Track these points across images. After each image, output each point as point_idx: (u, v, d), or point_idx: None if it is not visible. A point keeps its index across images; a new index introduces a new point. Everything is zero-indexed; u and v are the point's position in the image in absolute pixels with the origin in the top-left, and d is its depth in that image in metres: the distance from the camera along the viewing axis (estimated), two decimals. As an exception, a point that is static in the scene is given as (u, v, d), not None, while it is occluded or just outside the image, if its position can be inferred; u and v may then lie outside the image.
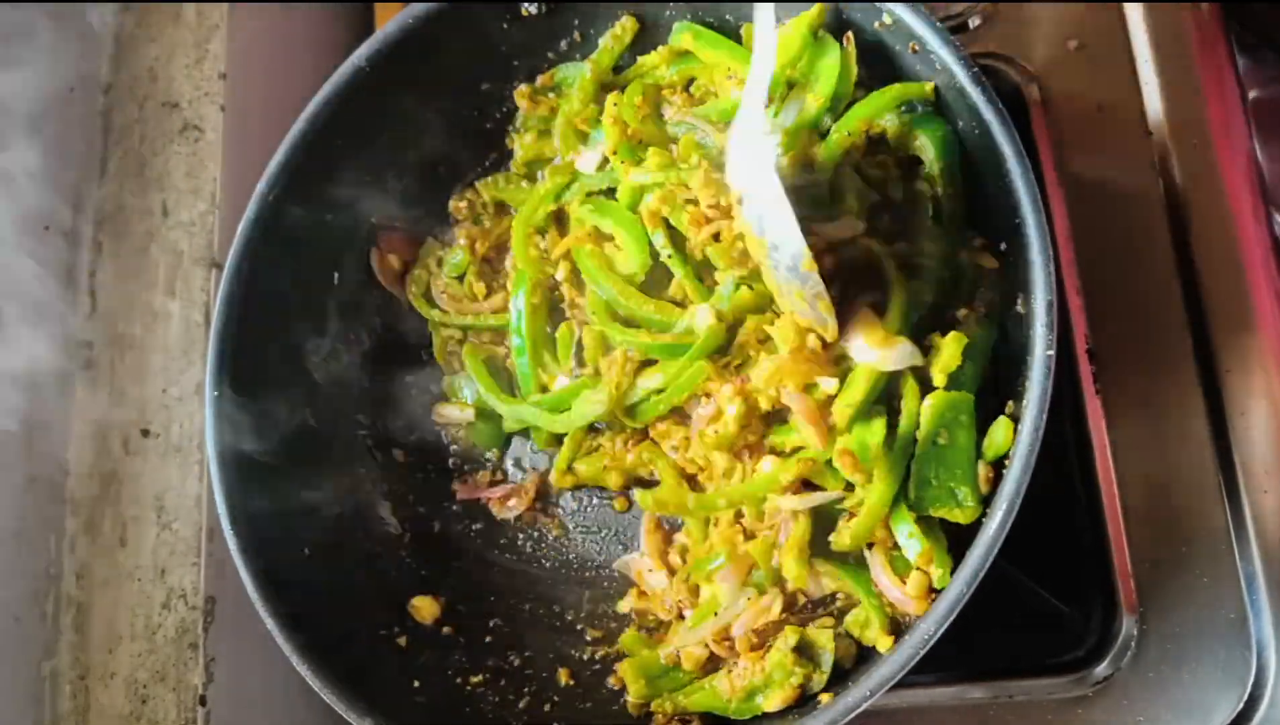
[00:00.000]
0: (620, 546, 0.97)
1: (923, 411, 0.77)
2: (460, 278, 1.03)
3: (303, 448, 0.96)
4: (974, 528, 0.77)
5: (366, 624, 0.90)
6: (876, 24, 0.83)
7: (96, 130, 1.09)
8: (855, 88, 0.85)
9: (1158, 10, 1.02)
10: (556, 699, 0.88)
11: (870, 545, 0.80)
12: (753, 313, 0.84)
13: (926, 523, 0.77)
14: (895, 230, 0.85)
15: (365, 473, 1.00)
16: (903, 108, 0.84)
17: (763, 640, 0.82)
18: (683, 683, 0.84)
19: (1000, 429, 0.75)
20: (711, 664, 0.84)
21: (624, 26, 0.97)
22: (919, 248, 0.83)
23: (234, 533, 0.85)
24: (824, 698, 0.78)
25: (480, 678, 0.89)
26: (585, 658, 0.91)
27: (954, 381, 0.77)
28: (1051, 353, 0.71)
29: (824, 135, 0.86)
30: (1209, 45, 1.00)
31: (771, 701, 0.79)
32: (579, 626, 0.94)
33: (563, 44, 0.99)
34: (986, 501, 0.76)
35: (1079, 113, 1.01)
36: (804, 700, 0.80)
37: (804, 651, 0.80)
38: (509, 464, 1.03)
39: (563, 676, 0.89)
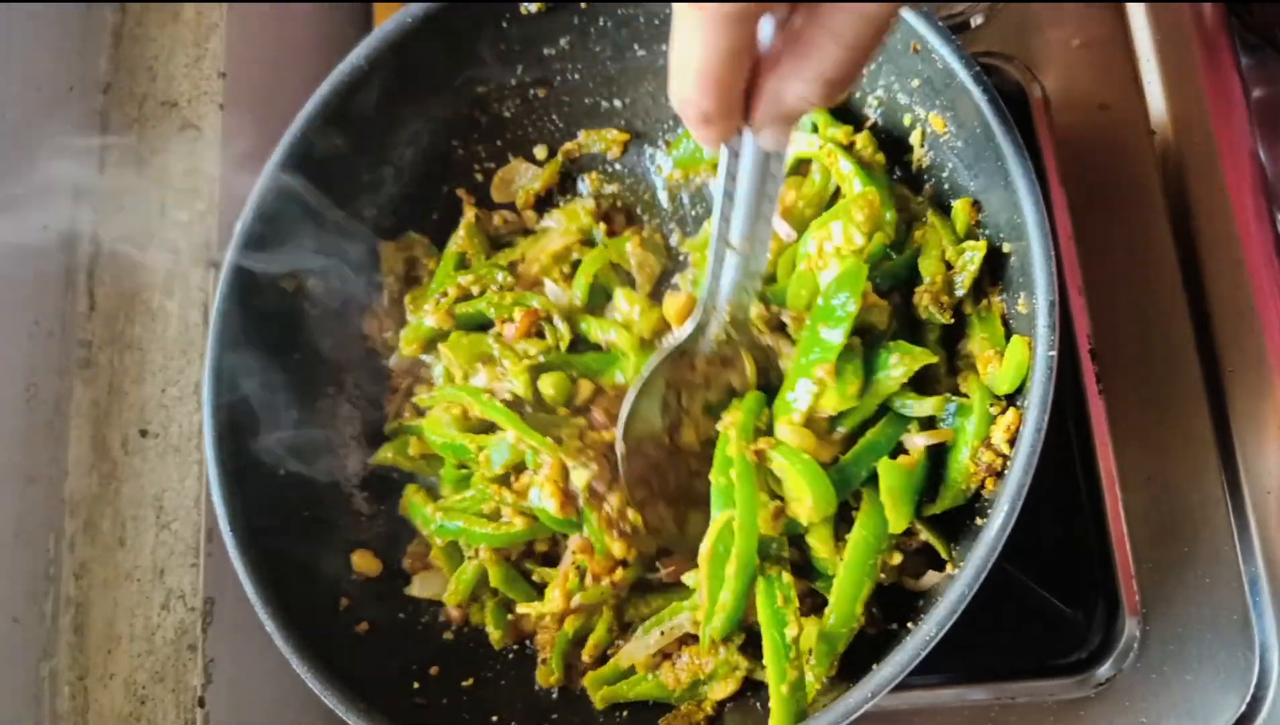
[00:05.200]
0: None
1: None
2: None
3: (303, 447, 0.95)
4: (976, 528, 0.77)
5: (368, 626, 0.90)
6: (877, 23, 0.83)
7: (96, 130, 1.09)
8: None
9: (1160, 9, 1.02)
10: (554, 711, 0.88)
11: None
12: None
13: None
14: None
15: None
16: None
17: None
18: (635, 680, 0.86)
19: (1016, 349, 0.75)
20: (659, 659, 0.86)
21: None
22: None
23: (233, 533, 0.85)
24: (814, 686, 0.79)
25: (473, 680, 0.89)
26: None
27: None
28: (1053, 353, 0.71)
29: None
30: (1211, 44, 1.00)
31: (717, 692, 0.83)
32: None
33: (563, 43, 0.99)
34: (1004, 455, 0.76)
35: (1081, 112, 1.01)
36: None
37: (752, 645, 0.82)
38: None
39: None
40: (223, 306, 0.90)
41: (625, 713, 0.86)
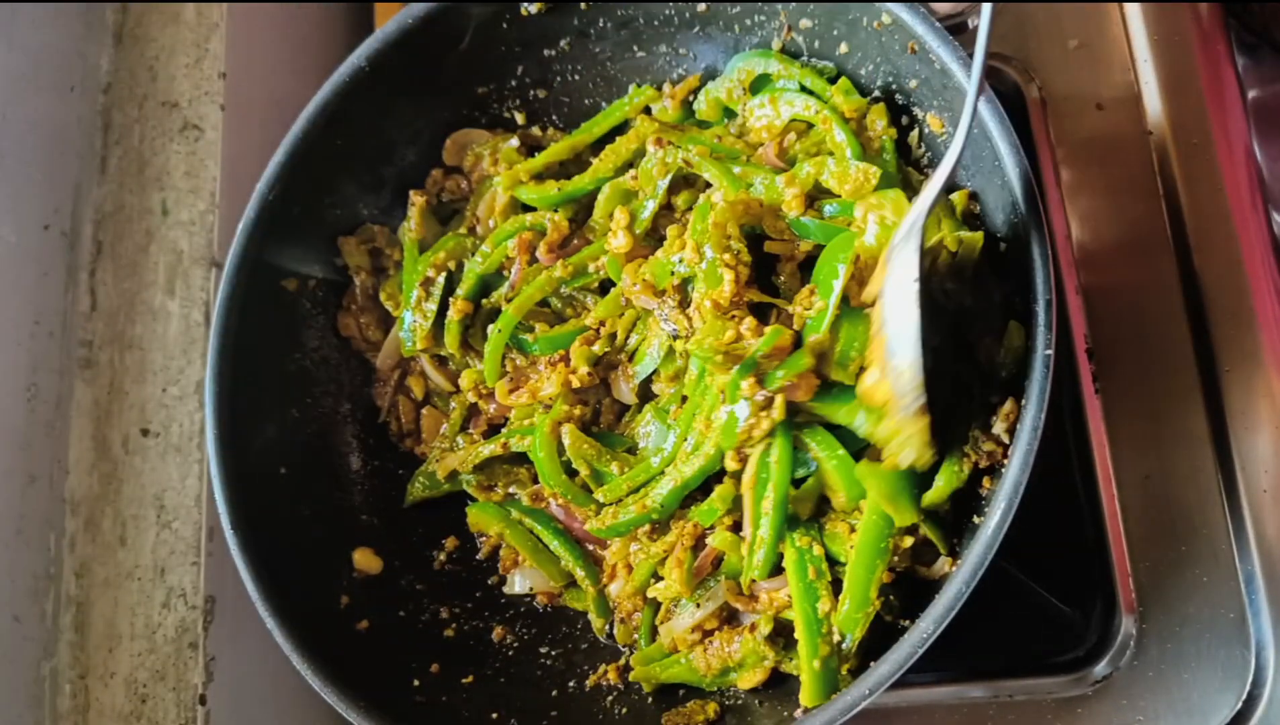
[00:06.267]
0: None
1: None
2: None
3: (303, 447, 0.96)
4: (974, 526, 0.77)
5: (368, 624, 0.91)
6: (875, 24, 0.83)
7: (96, 130, 1.09)
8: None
9: (1157, 10, 1.02)
10: (554, 708, 0.89)
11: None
12: None
13: None
14: None
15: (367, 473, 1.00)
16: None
17: (736, 617, 0.85)
18: (670, 661, 0.86)
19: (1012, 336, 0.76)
20: (700, 638, 0.86)
21: None
22: None
23: (234, 533, 0.85)
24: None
25: (473, 678, 0.89)
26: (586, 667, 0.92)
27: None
28: (1050, 352, 0.71)
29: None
30: (1209, 44, 1.00)
31: (745, 681, 0.83)
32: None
33: (562, 43, 0.99)
34: (1003, 444, 0.76)
35: (1078, 112, 1.01)
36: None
37: (780, 636, 0.83)
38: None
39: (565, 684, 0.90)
40: (224, 306, 0.90)
41: (625, 710, 0.87)
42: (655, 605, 0.89)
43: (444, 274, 0.98)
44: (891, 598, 0.81)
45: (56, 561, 0.97)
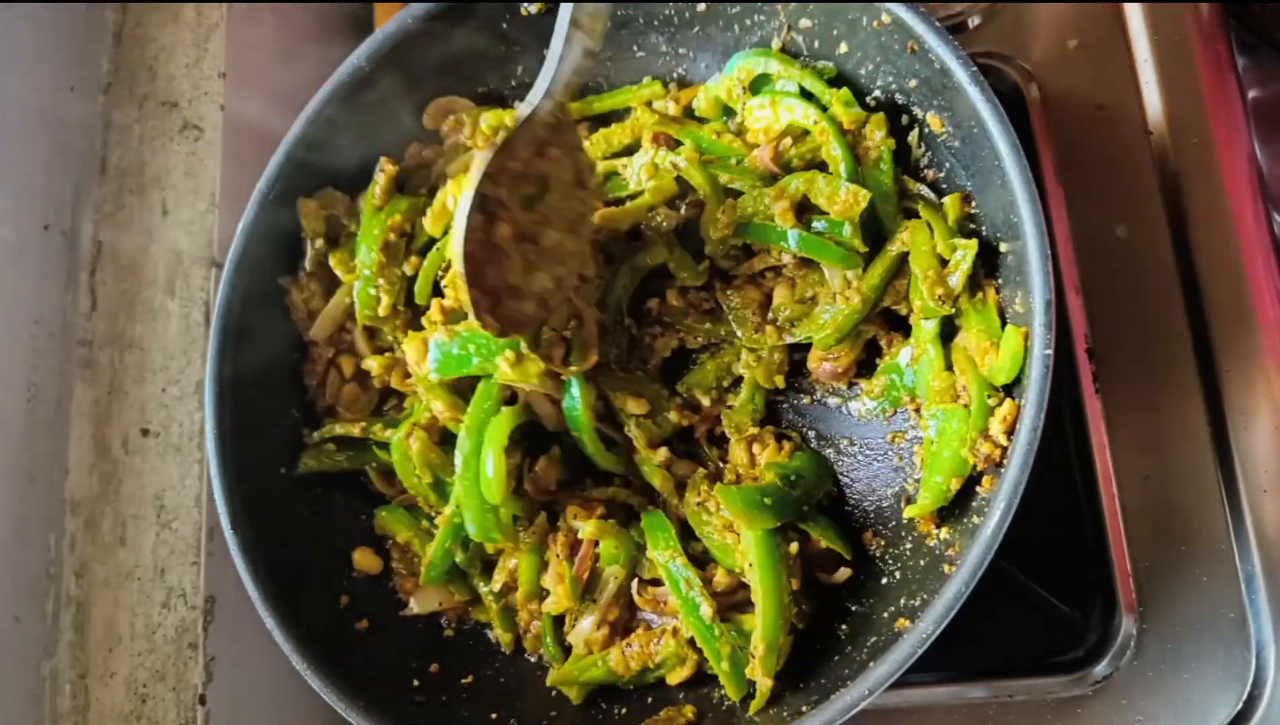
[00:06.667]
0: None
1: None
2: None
3: (303, 446, 0.96)
4: (974, 526, 0.77)
5: (368, 624, 0.91)
6: (875, 23, 0.83)
7: (96, 130, 1.09)
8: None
9: (1158, 9, 1.02)
10: (554, 709, 0.89)
11: None
12: None
13: None
14: None
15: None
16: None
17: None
18: (586, 664, 0.87)
19: (1010, 338, 0.76)
20: (611, 640, 0.87)
21: None
22: None
23: (234, 533, 0.85)
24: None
25: (472, 678, 0.89)
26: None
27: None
28: (1050, 352, 0.71)
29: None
30: (1209, 44, 1.00)
31: (673, 678, 0.85)
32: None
33: (562, 43, 0.99)
34: (1001, 446, 0.77)
35: (1078, 112, 1.01)
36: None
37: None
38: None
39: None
40: (224, 306, 0.90)
41: (624, 710, 0.87)
42: (556, 617, 0.89)
43: (405, 240, 0.96)
44: (803, 605, 0.83)
45: (56, 561, 0.97)
